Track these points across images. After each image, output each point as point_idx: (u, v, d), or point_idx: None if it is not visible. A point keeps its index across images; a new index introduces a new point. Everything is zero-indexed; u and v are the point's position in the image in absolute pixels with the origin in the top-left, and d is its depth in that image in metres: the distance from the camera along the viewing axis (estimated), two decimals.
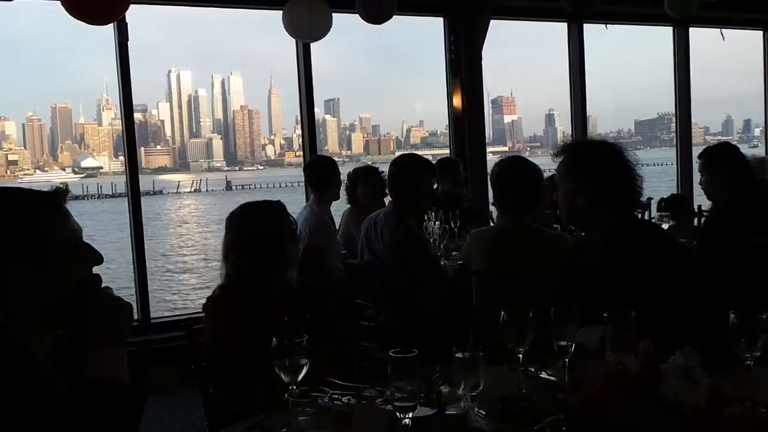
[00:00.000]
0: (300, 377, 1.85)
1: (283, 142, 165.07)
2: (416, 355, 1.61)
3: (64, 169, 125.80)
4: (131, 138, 5.90)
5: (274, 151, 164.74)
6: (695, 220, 6.28)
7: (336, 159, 6.21)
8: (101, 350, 1.49)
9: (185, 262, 24.74)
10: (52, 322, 1.50)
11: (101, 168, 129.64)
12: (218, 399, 2.46)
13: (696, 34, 8.42)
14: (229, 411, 2.24)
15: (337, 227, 5.28)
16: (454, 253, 4.63)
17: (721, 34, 8.48)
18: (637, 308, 1.92)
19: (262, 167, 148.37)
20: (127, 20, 5.55)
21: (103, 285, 1.58)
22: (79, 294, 1.50)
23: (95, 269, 1.59)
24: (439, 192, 5.97)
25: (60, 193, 1.54)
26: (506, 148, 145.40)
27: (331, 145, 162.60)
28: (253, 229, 2.60)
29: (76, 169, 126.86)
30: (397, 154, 6.14)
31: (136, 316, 5.75)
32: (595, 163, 2.52)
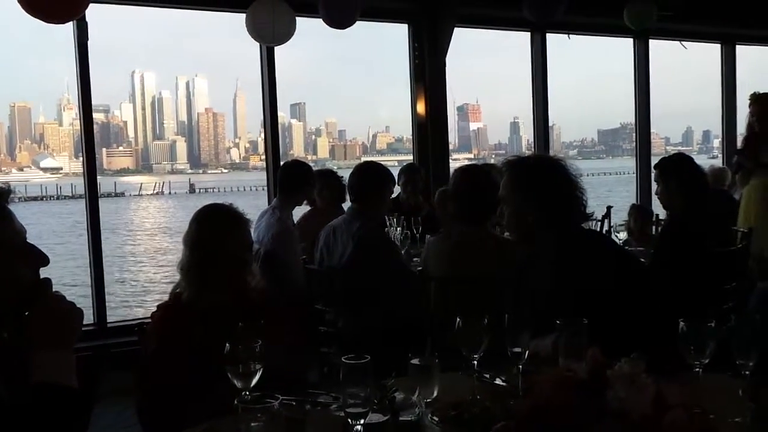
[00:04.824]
0: (253, 383, 1.83)
1: (248, 145, 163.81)
2: (368, 361, 1.61)
3: (47, 171, 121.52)
4: (90, 140, 5.82)
5: (239, 155, 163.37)
6: (653, 229, 6.39)
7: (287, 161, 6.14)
8: (48, 354, 1.46)
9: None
10: None
11: (61, 168, 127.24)
12: (161, 407, 2.39)
13: (657, 46, 8.59)
14: (178, 418, 2.20)
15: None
16: (415, 259, 4.65)
17: (682, 44, 8.67)
18: (589, 318, 1.95)
19: (226, 170, 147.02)
20: (87, 20, 5.48)
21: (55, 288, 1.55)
22: (27, 296, 1.47)
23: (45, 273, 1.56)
24: (401, 198, 5.99)
25: (2, 194, 1.50)
26: (471, 155, 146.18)
27: (296, 150, 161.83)
28: (207, 228, 2.56)
29: (37, 170, 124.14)
30: (363, 159, 6.18)
31: (92, 320, 5.66)
32: (541, 179, 2.55)
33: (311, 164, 5.71)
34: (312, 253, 4.44)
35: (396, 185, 5.07)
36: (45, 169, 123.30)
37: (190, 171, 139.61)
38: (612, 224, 5.99)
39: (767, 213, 5.03)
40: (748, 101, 5.30)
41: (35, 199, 60.89)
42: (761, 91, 5.28)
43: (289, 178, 4.96)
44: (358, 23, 6.03)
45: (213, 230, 2.55)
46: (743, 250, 4.39)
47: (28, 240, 1.56)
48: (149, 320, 2.64)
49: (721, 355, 1.85)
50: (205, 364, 2.14)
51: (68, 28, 5.48)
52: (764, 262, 4.88)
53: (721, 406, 1.80)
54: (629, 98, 8.69)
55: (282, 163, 5.63)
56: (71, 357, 1.51)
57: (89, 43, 5.60)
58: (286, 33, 5.71)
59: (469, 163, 4.93)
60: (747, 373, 1.80)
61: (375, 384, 1.77)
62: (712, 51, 9.23)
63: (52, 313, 1.48)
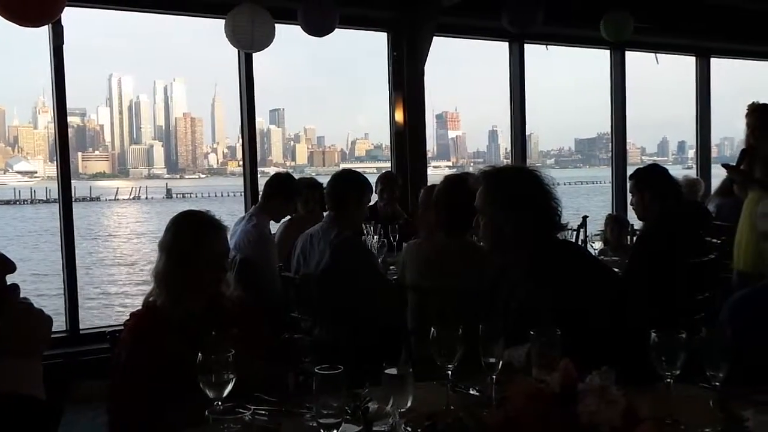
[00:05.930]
0: (225, 393, 1.82)
1: (226, 150, 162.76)
2: (342, 371, 1.61)
3: (22, 174, 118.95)
4: (64, 144, 5.75)
5: (217, 160, 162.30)
6: (629, 239, 6.43)
7: (280, 170, 6.15)
8: (13, 363, 1.43)
9: None
10: None
11: (35, 172, 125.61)
12: (134, 416, 2.35)
13: (634, 57, 8.69)
14: (151, 427, 2.18)
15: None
16: (392, 267, 4.64)
17: (656, 58, 8.77)
18: (562, 329, 1.96)
19: (204, 176, 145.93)
20: (63, 23, 5.43)
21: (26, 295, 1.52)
22: None
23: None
24: (379, 206, 5.99)
25: None
26: (450, 163, 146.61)
27: (275, 156, 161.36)
28: (184, 234, 2.53)
29: (12, 173, 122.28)
30: (342, 166, 6.15)
31: (64, 327, 5.59)
32: (517, 190, 2.55)
33: (290, 170, 5.70)
34: (290, 260, 4.42)
35: (373, 193, 5.07)
36: (19, 173, 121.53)
37: (167, 176, 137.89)
38: (588, 234, 6.02)
39: (752, 227, 5.05)
40: (746, 111, 5.15)
41: (8, 203, 60.07)
42: (759, 102, 5.08)
43: (275, 189, 4.97)
44: (337, 30, 6.04)
45: (189, 236, 2.52)
46: (716, 260, 4.44)
47: None
48: (122, 328, 2.61)
49: (692, 366, 1.86)
50: (178, 373, 2.11)
51: (44, 31, 5.43)
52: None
53: (692, 416, 1.81)
54: (606, 108, 8.76)
55: (259, 169, 5.60)
56: (38, 366, 1.47)
57: (65, 46, 5.56)
58: (265, 39, 5.70)
59: (453, 172, 4.91)
60: (717, 384, 1.81)
61: (349, 394, 1.76)
62: (688, 63, 9.36)
63: (18, 321, 1.45)
